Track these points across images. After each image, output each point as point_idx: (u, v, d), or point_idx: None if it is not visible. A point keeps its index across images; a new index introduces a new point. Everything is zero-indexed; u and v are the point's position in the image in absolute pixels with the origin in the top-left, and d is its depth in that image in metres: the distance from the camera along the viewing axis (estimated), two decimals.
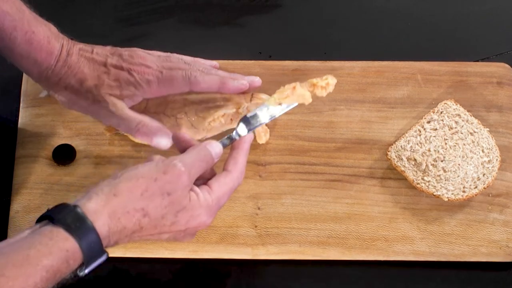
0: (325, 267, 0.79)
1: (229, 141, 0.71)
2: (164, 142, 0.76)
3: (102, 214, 0.60)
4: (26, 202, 0.81)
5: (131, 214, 0.62)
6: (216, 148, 0.69)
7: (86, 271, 0.61)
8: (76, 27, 0.75)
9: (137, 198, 0.62)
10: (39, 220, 0.60)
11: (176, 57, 0.80)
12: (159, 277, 0.78)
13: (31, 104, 0.86)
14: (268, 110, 0.75)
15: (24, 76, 0.87)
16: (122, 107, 0.76)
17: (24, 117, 0.85)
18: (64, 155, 0.84)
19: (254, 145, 0.83)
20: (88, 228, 0.59)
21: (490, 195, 0.82)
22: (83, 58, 0.76)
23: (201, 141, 0.81)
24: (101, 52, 0.77)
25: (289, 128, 0.85)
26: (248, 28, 0.94)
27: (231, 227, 0.80)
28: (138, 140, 0.81)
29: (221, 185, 0.68)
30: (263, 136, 0.82)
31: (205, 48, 0.91)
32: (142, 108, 0.80)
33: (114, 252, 0.78)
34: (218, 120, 0.80)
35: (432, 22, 0.94)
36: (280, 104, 0.75)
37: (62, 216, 0.59)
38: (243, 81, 0.80)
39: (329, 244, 0.79)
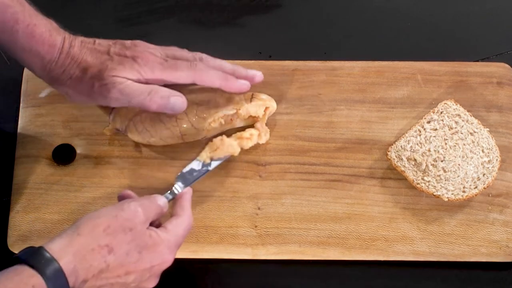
0: (325, 267, 0.79)
1: (172, 196, 0.75)
2: (179, 102, 0.76)
3: (67, 252, 0.62)
4: (26, 202, 0.81)
5: (96, 251, 0.63)
6: (162, 199, 0.72)
7: None
8: (76, 27, 0.75)
9: (100, 235, 0.64)
10: (9, 264, 0.61)
11: (182, 50, 0.80)
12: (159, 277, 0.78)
13: (31, 104, 0.86)
14: (202, 164, 0.80)
15: (24, 76, 0.87)
16: (129, 82, 0.75)
17: (24, 117, 0.85)
18: (64, 155, 0.84)
19: (254, 145, 0.84)
20: (53, 265, 0.61)
21: (490, 195, 0.82)
22: (86, 49, 0.76)
23: (200, 141, 0.82)
24: (103, 42, 0.77)
25: (289, 128, 0.85)
26: (248, 28, 0.94)
27: (231, 227, 0.80)
28: (137, 139, 0.82)
29: (175, 225, 0.71)
30: (263, 136, 0.82)
31: (205, 48, 0.91)
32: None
33: None
34: (218, 121, 0.80)
35: (432, 22, 0.94)
36: (212, 158, 0.80)
37: (28, 255, 0.61)
38: (245, 82, 0.79)
39: (329, 244, 0.79)
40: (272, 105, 0.83)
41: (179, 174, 0.78)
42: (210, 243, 0.79)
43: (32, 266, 0.60)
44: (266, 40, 0.93)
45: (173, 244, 0.69)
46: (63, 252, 0.62)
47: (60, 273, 0.61)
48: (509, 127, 0.85)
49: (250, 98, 0.82)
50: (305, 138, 0.84)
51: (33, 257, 0.61)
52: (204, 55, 0.80)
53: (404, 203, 0.81)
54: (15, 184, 0.81)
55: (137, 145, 0.84)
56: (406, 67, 0.88)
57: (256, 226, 0.80)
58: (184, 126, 0.79)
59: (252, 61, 0.88)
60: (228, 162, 0.82)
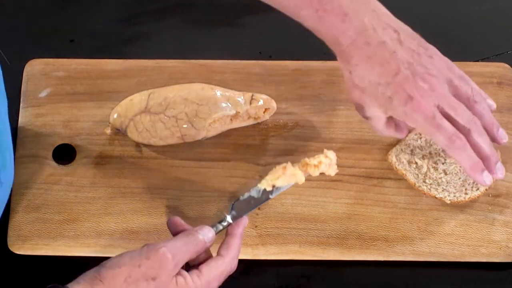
0: (325, 267, 0.79)
1: (223, 227, 0.72)
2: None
3: None
4: (26, 202, 0.81)
5: None
6: (208, 233, 0.70)
7: None
8: (76, 27, 0.75)
9: (120, 285, 0.63)
10: None
11: (462, 106, 0.71)
12: None
13: (31, 104, 0.86)
14: (261, 192, 0.75)
15: (24, 76, 0.87)
16: (380, 125, 0.74)
17: (24, 117, 0.85)
18: (64, 155, 0.84)
19: (254, 145, 0.84)
20: None
21: (490, 195, 0.82)
22: (379, 56, 0.70)
23: (200, 141, 0.82)
24: (402, 57, 0.71)
25: (289, 128, 0.85)
26: (248, 28, 0.94)
27: None
28: (137, 139, 0.82)
29: (212, 268, 0.68)
30: (333, 166, 0.76)
31: (205, 48, 0.91)
32: (143, 108, 0.80)
33: (114, 252, 0.79)
34: (219, 121, 0.80)
35: (432, 22, 0.94)
36: (273, 186, 0.74)
37: None
38: (490, 178, 0.72)
39: (329, 244, 0.79)
40: (272, 105, 0.83)
41: (234, 202, 0.74)
42: None
43: None
44: (266, 40, 0.93)
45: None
46: None
47: None
48: (509, 127, 0.85)
49: (250, 99, 0.82)
50: (305, 138, 0.84)
51: None
52: (481, 112, 0.72)
53: (404, 203, 0.81)
54: (15, 184, 0.81)
55: (137, 145, 0.84)
56: None
57: (256, 226, 0.80)
58: (184, 126, 0.79)
59: (252, 61, 0.88)
60: (228, 162, 0.82)
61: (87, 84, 0.87)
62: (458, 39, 0.93)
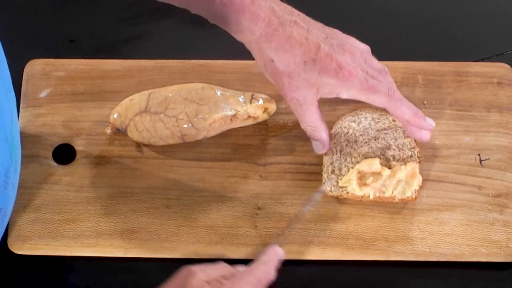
0: (325, 267, 0.79)
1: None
2: (319, 148, 0.79)
3: None
4: (26, 202, 0.81)
5: None
6: (237, 267, 0.70)
7: None
8: (76, 27, 0.75)
9: None
10: None
11: (374, 59, 0.77)
12: (159, 277, 0.78)
13: (31, 104, 0.86)
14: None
15: (24, 76, 0.87)
16: (312, 110, 0.75)
17: (24, 117, 0.85)
18: (64, 155, 0.84)
19: (254, 145, 0.84)
20: None
21: (490, 195, 0.82)
22: (297, 36, 0.72)
23: (200, 141, 0.82)
24: (316, 33, 0.73)
25: (289, 128, 0.85)
26: None
27: (231, 227, 0.80)
28: (137, 139, 0.82)
29: (245, 272, 0.68)
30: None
31: (205, 48, 0.91)
32: (143, 108, 0.80)
33: (114, 252, 0.79)
34: (219, 122, 0.80)
35: (432, 22, 0.94)
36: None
37: None
38: (432, 122, 0.78)
39: (329, 244, 0.79)
40: (272, 105, 0.83)
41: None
42: (210, 243, 0.79)
43: None
44: None
45: None
46: None
47: None
48: (509, 127, 0.85)
49: (250, 99, 0.82)
50: (305, 138, 0.84)
51: None
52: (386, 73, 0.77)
53: (404, 203, 0.81)
54: None
55: (137, 145, 0.84)
56: (406, 67, 0.88)
57: (256, 226, 0.80)
58: (185, 126, 0.79)
59: (253, 61, 0.88)
60: (228, 162, 0.82)
61: (87, 84, 0.87)
62: (458, 39, 0.93)
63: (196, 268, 0.67)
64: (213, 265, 0.69)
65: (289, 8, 0.74)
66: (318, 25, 0.75)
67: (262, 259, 0.71)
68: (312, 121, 0.77)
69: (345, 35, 0.77)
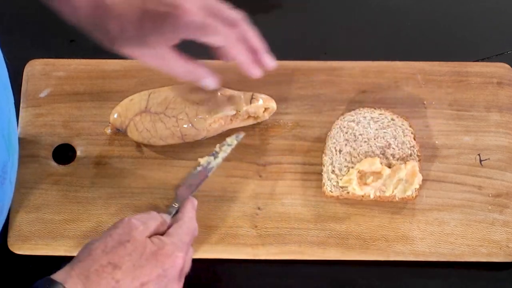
0: (325, 267, 0.79)
1: (174, 210, 0.75)
2: (211, 83, 0.76)
3: (70, 275, 0.63)
4: (26, 202, 0.81)
5: (100, 271, 0.64)
6: (163, 215, 0.72)
7: None
8: (76, 27, 0.75)
9: (100, 256, 0.64)
10: None
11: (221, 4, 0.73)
12: None
13: (31, 104, 0.86)
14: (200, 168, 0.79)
15: (24, 76, 0.87)
16: (170, 56, 0.72)
17: (24, 117, 0.85)
18: (64, 155, 0.84)
19: (254, 145, 0.84)
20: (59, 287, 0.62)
21: (490, 195, 0.82)
22: None
23: (200, 141, 0.82)
24: None
25: (289, 128, 0.85)
26: None
27: (231, 227, 0.80)
28: (137, 139, 0.82)
29: (175, 228, 0.71)
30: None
31: (205, 48, 0.91)
32: (143, 108, 0.80)
33: None
34: (219, 122, 0.80)
35: (432, 22, 0.94)
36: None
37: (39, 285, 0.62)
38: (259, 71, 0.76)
39: (329, 244, 0.79)
40: (272, 105, 0.83)
41: (176, 189, 0.78)
42: (210, 243, 0.79)
43: None
44: (266, 40, 0.92)
45: (179, 244, 0.69)
46: (67, 275, 0.63)
47: None
48: (509, 127, 0.85)
49: (250, 99, 0.82)
50: (305, 138, 0.84)
51: (42, 285, 0.62)
52: (242, 22, 0.74)
53: (404, 203, 0.81)
54: (15, 184, 0.81)
55: (137, 145, 0.84)
56: (406, 67, 0.88)
57: (256, 226, 0.80)
58: (185, 126, 0.79)
59: None
60: (228, 162, 0.82)
61: (87, 84, 0.87)
62: (458, 39, 0.93)
63: (136, 221, 0.68)
64: (149, 216, 0.70)
65: None
66: None
67: (188, 215, 0.73)
68: (181, 65, 0.74)
69: None
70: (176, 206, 0.75)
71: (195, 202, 0.76)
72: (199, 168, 0.79)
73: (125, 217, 0.69)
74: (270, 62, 0.76)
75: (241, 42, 0.74)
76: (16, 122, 0.75)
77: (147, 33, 0.70)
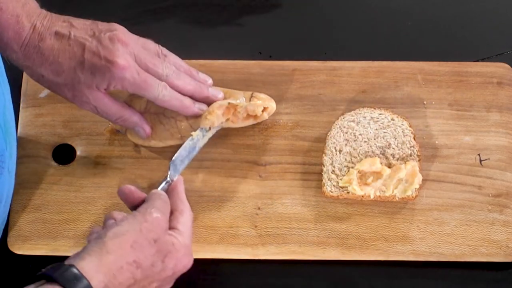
0: (325, 267, 0.79)
1: (167, 185, 0.75)
2: (141, 133, 0.79)
3: (98, 272, 0.61)
4: (26, 202, 0.81)
5: (124, 268, 0.63)
6: (164, 195, 0.72)
7: None
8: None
9: (128, 252, 0.64)
10: (35, 279, 0.60)
11: (153, 54, 0.76)
12: None
13: (31, 104, 0.86)
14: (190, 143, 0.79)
15: (24, 76, 0.87)
16: (105, 101, 0.74)
17: (24, 117, 0.85)
18: (64, 155, 0.84)
19: (254, 145, 0.84)
20: (85, 287, 0.59)
21: (490, 195, 0.82)
22: (58, 44, 0.71)
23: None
24: (79, 35, 0.72)
25: (289, 128, 0.85)
26: (248, 28, 0.94)
27: (231, 227, 0.80)
28: (137, 140, 0.82)
29: (184, 225, 0.71)
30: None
31: (205, 48, 0.91)
32: (142, 109, 0.80)
33: None
34: (215, 113, 0.79)
35: (432, 22, 0.94)
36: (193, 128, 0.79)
37: (59, 274, 0.59)
38: (203, 107, 0.79)
39: (329, 244, 0.79)
40: (271, 105, 0.82)
41: (170, 162, 0.77)
42: (210, 243, 0.79)
43: (64, 286, 0.59)
44: (266, 40, 0.93)
45: (189, 246, 0.70)
46: (94, 271, 0.61)
47: None
48: (509, 127, 0.85)
49: (249, 98, 0.81)
50: (305, 138, 0.84)
51: (65, 277, 0.59)
52: (173, 62, 0.78)
53: (404, 203, 0.81)
54: (15, 184, 0.81)
55: (136, 145, 0.84)
56: (406, 67, 0.88)
57: (256, 226, 0.80)
58: (183, 127, 0.79)
59: (252, 61, 0.88)
60: (228, 162, 0.82)
61: None
62: (458, 39, 0.93)
63: (161, 215, 0.68)
64: (163, 203, 0.71)
65: (53, 18, 0.73)
66: (86, 24, 0.74)
67: (187, 205, 0.73)
68: (114, 113, 0.76)
69: (118, 26, 0.75)
70: (170, 181, 0.75)
71: (182, 179, 0.76)
72: (191, 142, 0.79)
73: (151, 208, 0.68)
74: (217, 94, 0.80)
75: (175, 90, 0.76)
76: (13, 110, 0.75)
77: (81, 80, 0.72)
